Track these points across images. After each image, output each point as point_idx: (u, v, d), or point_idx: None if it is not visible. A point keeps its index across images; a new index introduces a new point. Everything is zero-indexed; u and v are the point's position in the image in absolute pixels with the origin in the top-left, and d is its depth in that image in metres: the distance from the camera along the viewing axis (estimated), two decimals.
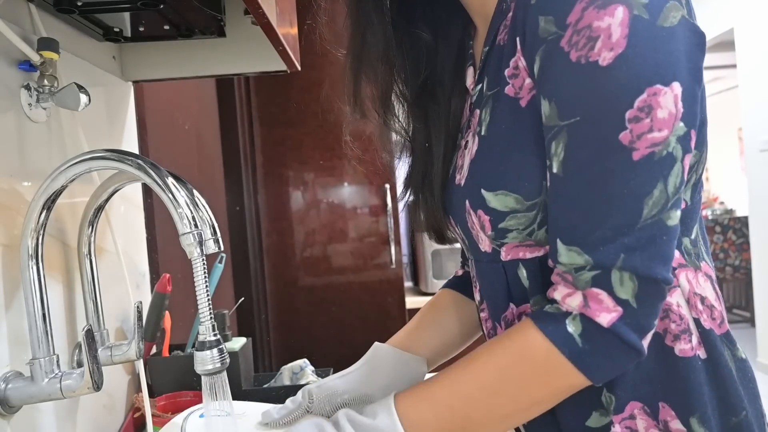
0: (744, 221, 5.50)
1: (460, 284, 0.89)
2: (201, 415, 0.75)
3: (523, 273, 0.65)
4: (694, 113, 0.55)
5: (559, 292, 0.58)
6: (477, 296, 0.76)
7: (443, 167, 0.76)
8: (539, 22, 0.56)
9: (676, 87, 0.54)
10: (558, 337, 0.57)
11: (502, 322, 0.70)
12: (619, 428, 0.62)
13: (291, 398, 0.77)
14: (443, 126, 0.76)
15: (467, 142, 0.71)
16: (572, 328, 0.56)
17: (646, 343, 0.57)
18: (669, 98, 0.53)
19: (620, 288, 0.55)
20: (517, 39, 0.61)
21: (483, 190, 0.64)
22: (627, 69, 0.53)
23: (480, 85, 0.70)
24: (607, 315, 0.55)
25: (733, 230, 5.61)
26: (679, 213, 0.56)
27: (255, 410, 0.77)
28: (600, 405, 0.63)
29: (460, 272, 0.92)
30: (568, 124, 0.56)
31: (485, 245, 0.68)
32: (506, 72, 0.63)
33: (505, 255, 0.66)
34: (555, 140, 0.57)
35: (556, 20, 0.55)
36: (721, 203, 6.52)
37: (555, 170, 0.57)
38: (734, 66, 4.24)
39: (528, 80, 0.60)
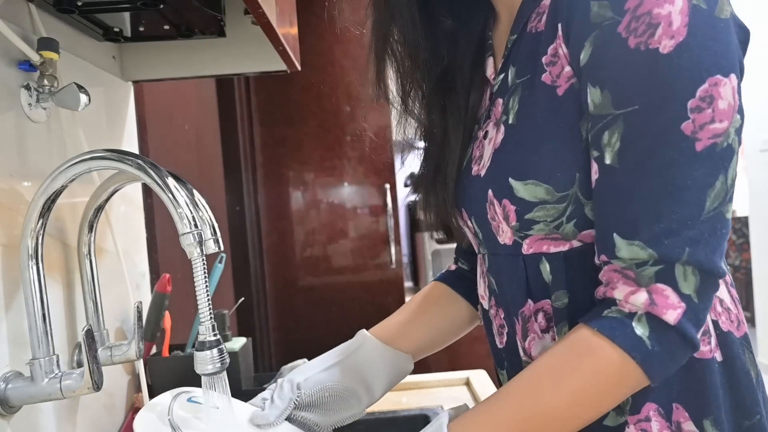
0: (744, 221, 5.49)
1: (453, 279, 0.88)
2: (189, 399, 0.74)
3: (545, 267, 0.64)
4: (742, 106, 0.55)
5: (620, 291, 0.56)
6: (485, 292, 0.75)
7: (459, 158, 0.74)
8: (591, 8, 0.55)
9: (734, 78, 0.53)
10: (628, 343, 0.55)
11: (519, 318, 0.68)
12: (633, 429, 0.61)
13: (276, 393, 0.75)
14: (461, 116, 0.75)
15: (487, 132, 0.69)
16: (640, 330, 0.54)
17: (699, 337, 0.56)
18: (728, 89, 0.53)
19: (684, 283, 0.54)
20: (559, 25, 0.59)
21: (511, 179, 0.62)
22: (688, 58, 0.52)
23: (503, 74, 0.68)
24: (673, 312, 0.54)
25: (733, 230, 5.61)
26: (732, 206, 0.55)
27: (242, 409, 0.76)
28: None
29: (453, 267, 0.91)
30: (625, 113, 0.54)
31: (506, 237, 0.66)
32: (543, 59, 0.61)
33: (527, 248, 0.65)
34: (608, 130, 0.55)
35: (613, 6, 0.54)
36: None
37: (609, 161, 0.55)
38: None
39: (567, 68, 0.59)
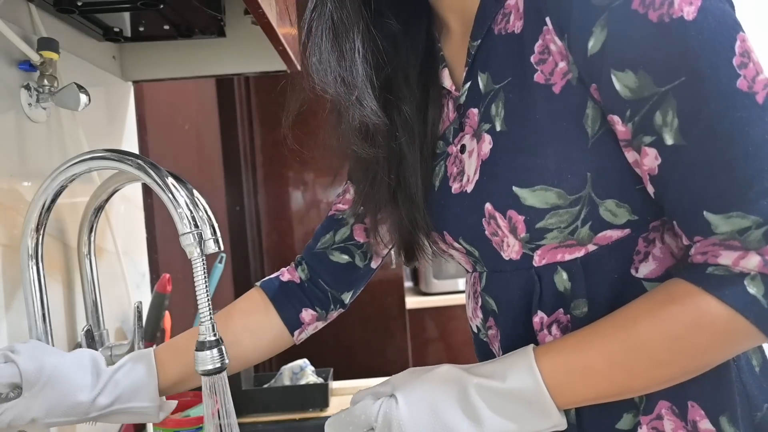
0: None
1: (280, 295, 0.80)
2: None
3: (562, 277, 0.61)
4: None
5: (726, 257, 0.52)
6: (476, 312, 0.70)
7: (423, 177, 0.69)
8: None
9: (747, 35, 0.53)
10: (739, 302, 0.51)
11: (526, 334, 0.64)
12: (646, 429, 0.59)
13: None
14: (416, 132, 0.70)
15: (464, 145, 0.66)
16: (754, 289, 0.51)
17: None
18: (750, 43, 0.52)
19: None
20: (547, 19, 0.57)
21: (515, 188, 0.59)
22: (713, 20, 0.51)
23: (470, 82, 0.65)
24: None
25: None
26: None
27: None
28: (633, 406, 0.60)
29: (286, 277, 0.82)
30: (672, 88, 0.52)
31: (512, 252, 0.63)
32: (532, 58, 0.59)
33: (539, 260, 0.61)
34: (659, 110, 0.52)
35: None
36: None
37: (671, 141, 0.52)
38: None
39: (561, 64, 0.57)
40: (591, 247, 0.60)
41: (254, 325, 0.80)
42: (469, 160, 0.65)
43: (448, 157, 0.68)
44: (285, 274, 0.83)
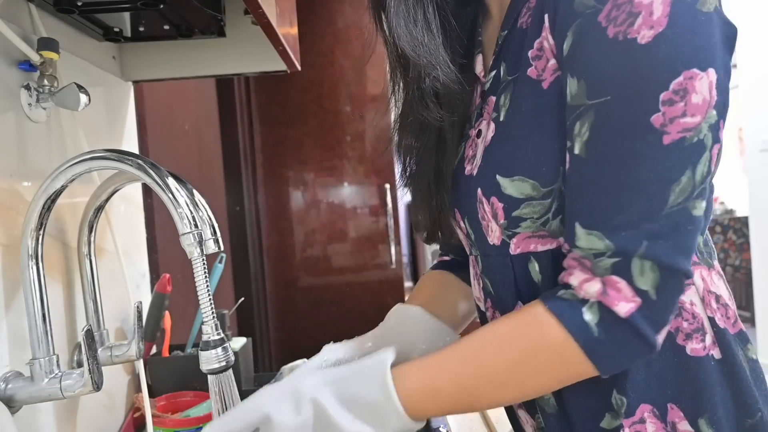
0: (744, 221, 5.49)
1: (450, 266, 0.85)
2: None
3: (534, 267, 0.63)
4: (725, 103, 0.54)
5: (575, 278, 0.56)
6: (480, 293, 0.74)
7: (451, 158, 0.73)
8: None
9: (712, 73, 0.52)
10: (574, 325, 0.55)
11: None
12: (628, 431, 0.60)
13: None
14: (454, 115, 0.72)
15: (480, 130, 0.68)
16: (589, 316, 0.54)
17: (660, 338, 0.55)
18: (704, 84, 0.52)
19: (640, 278, 0.53)
20: (546, 16, 0.58)
21: (498, 176, 0.61)
22: (666, 49, 0.51)
23: (495, 71, 0.67)
24: (625, 305, 0.53)
25: (733, 230, 5.61)
26: (704, 204, 0.54)
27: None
28: (611, 407, 0.61)
29: (447, 258, 0.87)
30: (597, 104, 0.53)
31: (495, 237, 0.65)
32: (529, 53, 0.60)
33: (514, 248, 0.64)
34: (579, 120, 0.54)
35: None
36: (721, 203, 6.51)
37: (577, 151, 0.55)
38: (734, 66, 4.24)
39: (552, 61, 0.58)
40: (563, 240, 0.61)
41: (457, 289, 0.83)
42: (480, 144, 0.67)
43: (468, 139, 0.71)
44: (445, 258, 0.87)
